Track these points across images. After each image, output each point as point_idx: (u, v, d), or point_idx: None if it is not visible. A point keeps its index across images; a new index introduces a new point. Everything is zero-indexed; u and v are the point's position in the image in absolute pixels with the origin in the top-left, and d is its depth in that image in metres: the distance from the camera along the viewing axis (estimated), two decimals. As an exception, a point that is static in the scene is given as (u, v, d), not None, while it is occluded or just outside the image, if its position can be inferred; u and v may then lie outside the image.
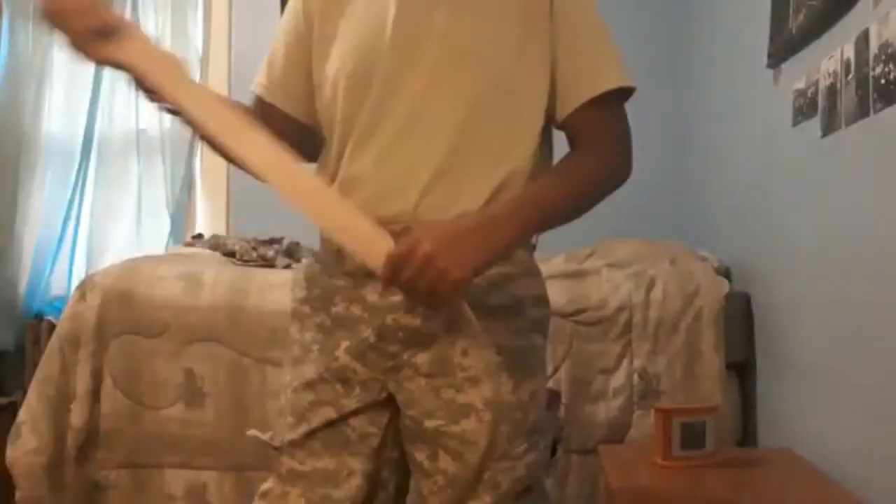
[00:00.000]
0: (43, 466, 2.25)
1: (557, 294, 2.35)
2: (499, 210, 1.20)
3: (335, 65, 1.30)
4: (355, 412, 1.28)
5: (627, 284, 2.37)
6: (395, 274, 1.12)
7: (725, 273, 2.49)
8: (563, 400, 2.25)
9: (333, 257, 1.31)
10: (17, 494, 2.27)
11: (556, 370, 2.29)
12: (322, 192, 1.22)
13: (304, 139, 1.37)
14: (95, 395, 2.30)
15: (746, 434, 2.32)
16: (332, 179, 1.30)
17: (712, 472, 1.76)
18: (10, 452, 2.26)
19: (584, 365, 2.31)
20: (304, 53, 1.37)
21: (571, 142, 1.31)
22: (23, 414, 2.29)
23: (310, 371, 1.31)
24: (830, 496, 1.61)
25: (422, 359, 1.26)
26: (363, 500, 1.29)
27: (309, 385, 1.30)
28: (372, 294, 1.26)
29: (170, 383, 2.31)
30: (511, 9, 1.27)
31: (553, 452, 1.40)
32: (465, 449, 1.24)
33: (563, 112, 1.28)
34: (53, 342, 2.34)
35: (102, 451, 2.31)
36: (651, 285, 2.36)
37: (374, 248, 1.15)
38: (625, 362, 2.31)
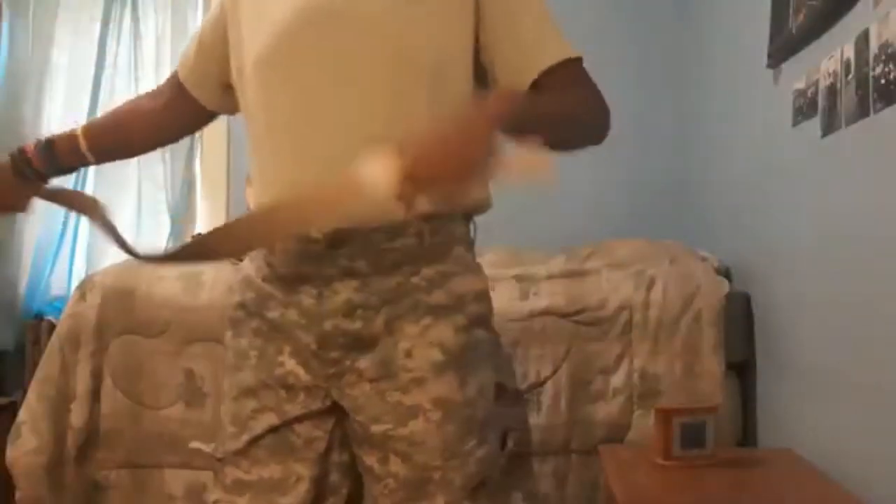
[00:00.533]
0: (43, 466, 2.25)
1: (557, 294, 2.35)
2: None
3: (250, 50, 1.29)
4: (299, 418, 1.26)
5: (627, 284, 2.37)
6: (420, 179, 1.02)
7: (725, 273, 2.49)
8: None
9: (263, 261, 1.30)
10: (17, 494, 2.27)
11: (556, 370, 2.29)
12: (279, 209, 1.15)
13: (201, 122, 1.49)
14: (95, 395, 2.30)
15: (746, 434, 2.32)
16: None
17: (712, 472, 1.76)
18: (10, 452, 2.26)
19: (584, 365, 2.30)
20: (217, 40, 1.40)
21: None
22: (23, 414, 2.29)
23: (249, 378, 1.28)
24: (830, 496, 1.61)
25: (364, 363, 1.24)
26: None
27: (249, 392, 1.28)
28: (307, 299, 1.24)
29: (170, 383, 2.31)
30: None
31: (503, 445, 1.43)
32: (415, 450, 1.23)
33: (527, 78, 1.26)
34: (53, 342, 2.34)
35: (102, 451, 2.31)
36: (651, 285, 2.36)
37: (366, 186, 1.02)
38: (625, 362, 2.31)
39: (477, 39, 1.26)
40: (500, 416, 1.37)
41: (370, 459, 1.26)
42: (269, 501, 1.26)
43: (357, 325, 1.23)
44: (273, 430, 1.26)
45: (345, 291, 1.23)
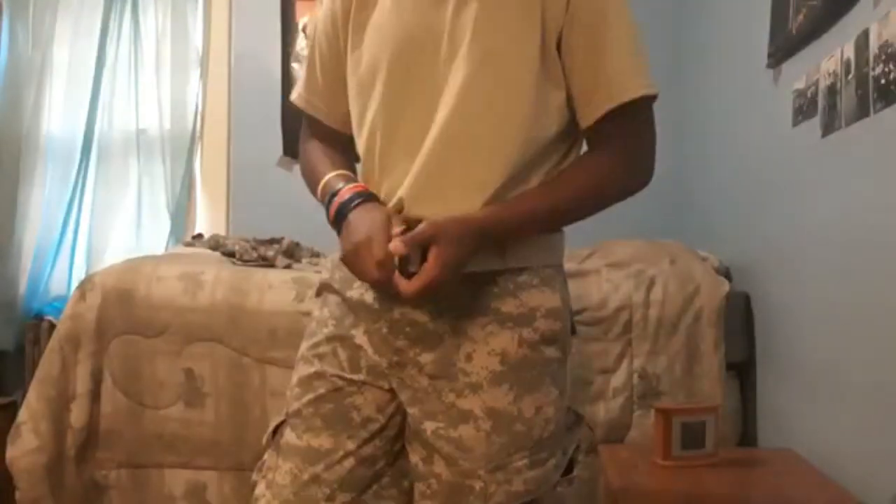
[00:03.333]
0: (43, 466, 2.25)
1: (557, 294, 2.35)
2: (501, 217, 1.20)
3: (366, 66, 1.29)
4: (359, 388, 1.27)
5: (627, 284, 2.37)
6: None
7: (725, 273, 2.49)
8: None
9: None
10: (17, 494, 2.27)
11: (556, 370, 2.29)
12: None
13: (350, 145, 1.39)
14: (95, 395, 2.30)
15: (746, 434, 2.32)
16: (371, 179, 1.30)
17: (712, 472, 1.76)
18: (10, 452, 2.26)
19: (584, 365, 2.30)
20: (336, 61, 1.36)
21: (592, 144, 1.29)
22: (23, 414, 2.29)
23: (321, 338, 1.31)
24: (830, 496, 1.61)
25: (426, 358, 1.25)
26: (354, 484, 1.27)
27: (318, 355, 1.30)
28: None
29: (170, 383, 2.31)
30: (530, 14, 1.21)
31: (568, 470, 1.36)
32: (461, 455, 1.22)
33: (585, 121, 1.25)
34: (53, 342, 2.34)
35: (102, 451, 2.31)
36: (651, 285, 2.36)
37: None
38: (625, 362, 2.31)
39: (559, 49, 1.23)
40: (568, 441, 1.34)
41: (416, 457, 1.27)
42: (311, 473, 1.26)
43: (425, 317, 1.25)
44: (335, 392, 1.28)
45: None
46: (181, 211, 3.45)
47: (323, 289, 1.38)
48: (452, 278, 1.17)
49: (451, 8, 1.22)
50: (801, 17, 1.93)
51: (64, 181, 3.38)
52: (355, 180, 1.31)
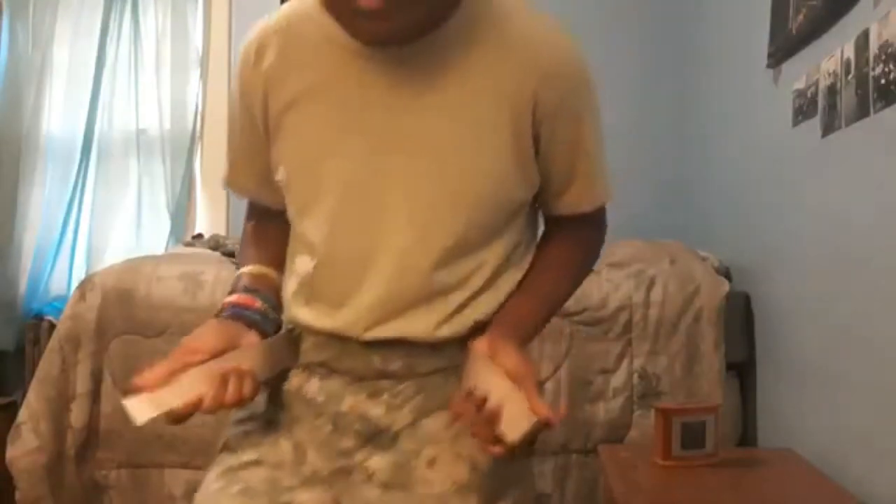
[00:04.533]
0: (43, 466, 2.25)
1: (557, 294, 2.35)
2: (521, 330, 1.10)
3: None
4: (302, 485, 1.06)
5: (627, 284, 2.37)
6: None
7: (725, 273, 2.49)
8: (563, 410, 2.24)
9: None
10: (17, 494, 2.27)
11: (556, 370, 2.29)
12: None
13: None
14: (95, 395, 2.30)
15: (746, 434, 2.32)
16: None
17: (712, 472, 1.76)
18: (10, 452, 2.26)
19: (584, 365, 2.31)
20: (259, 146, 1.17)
21: (550, 226, 1.23)
22: (23, 414, 2.29)
23: (257, 423, 1.11)
24: (830, 496, 1.61)
25: (378, 463, 1.05)
26: None
27: (252, 444, 1.10)
28: (333, 374, 1.07)
29: (170, 383, 2.31)
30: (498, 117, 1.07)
31: None
32: None
33: (553, 211, 1.20)
34: (53, 342, 2.34)
35: (102, 451, 2.31)
36: (651, 285, 2.36)
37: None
38: (625, 362, 2.31)
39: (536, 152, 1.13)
40: None
41: None
42: None
43: (379, 409, 1.07)
44: (270, 487, 1.06)
45: (377, 362, 1.08)
46: (181, 211, 3.45)
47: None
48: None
49: (407, 114, 1.06)
50: (801, 17, 1.93)
51: (64, 181, 3.38)
52: (259, 283, 1.14)
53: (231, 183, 1.26)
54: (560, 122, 1.10)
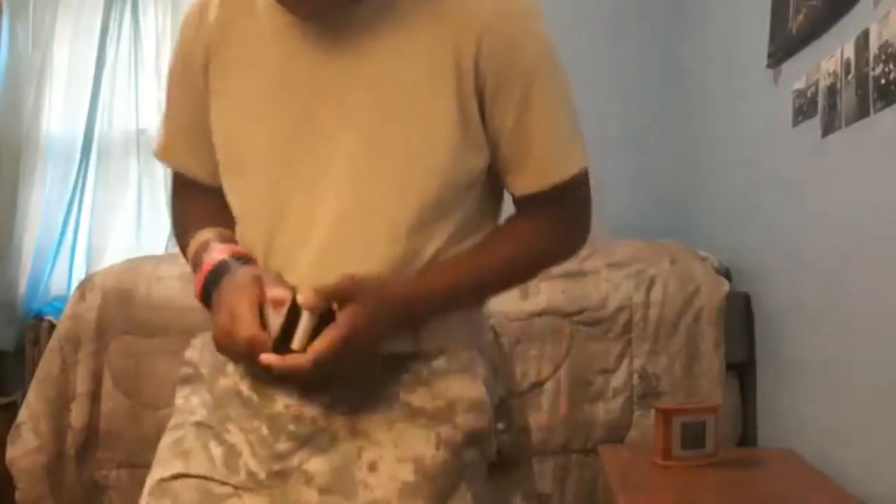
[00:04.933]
0: (43, 466, 2.25)
1: (557, 294, 2.35)
2: (424, 288, 1.02)
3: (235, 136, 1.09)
4: (236, 492, 0.99)
5: (627, 284, 2.37)
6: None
7: (725, 273, 2.49)
8: (562, 408, 2.24)
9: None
10: (17, 494, 2.27)
11: (556, 370, 2.29)
12: None
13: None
14: (95, 395, 2.30)
15: (746, 434, 2.32)
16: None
17: (712, 472, 1.76)
18: (10, 452, 2.26)
19: (584, 365, 2.30)
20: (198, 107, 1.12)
21: (521, 208, 1.13)
22: (23, 414, 2.29)
23: (186, 431, 1.05)
24: (830, 496, 1.61)
25: (316, 466, 0.99)
26: None
27: (182, 452, 1.03)
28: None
29: (170, 383, 2.28)
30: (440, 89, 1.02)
31: None
32: None
33: (515, 190, 1.11)
34: (53, 342, 2.34)
35: (102, 451, 2.31)
36: (651, 285, 2.36)
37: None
38: (625, 362, 2.31)
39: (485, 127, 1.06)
40: None
41: None
42: None
43: (314, 411, 1.00)
44: (204, 499, 1.00)
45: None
46: (181, 210, 3.44)
47: (185, 376, 1.13)
48: (362, 352, 0.97)
49: (341, 64, 1.03)
50: (801, 17, 1.93)
51: (64, 181, 3.37)
52: (232, 241, 1.10)
53: (163, 152, 1.20)
54: (506, 79, 1.02)
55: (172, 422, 1.09)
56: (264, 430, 1.01)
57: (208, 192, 1.16)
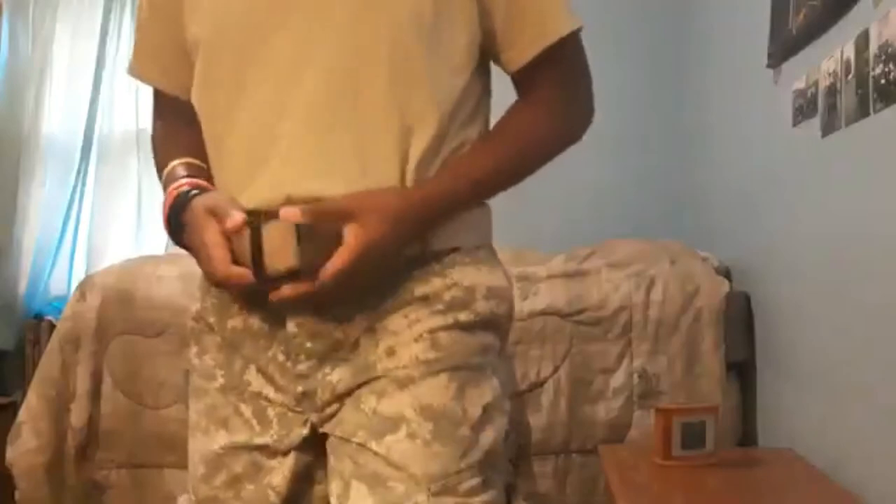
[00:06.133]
0: (43, 466, 2.25)
1: (557, 294, 2.35)
2: (429, 192, 0.98)
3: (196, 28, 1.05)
4: (274, 456, 1.01)
5: (627, 284, 2.37)
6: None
7: (725, 273, 2.49)
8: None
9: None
10: (17, 494, 2.27)
11: (556, 370, 2.29)
12: None
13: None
14: (95, 395, 2.31)
15: (746, 434, 2.32)
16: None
17: (712, 472, 1.76)
18: (10, 452, 2.26)
19: (584, 365, 2.30)
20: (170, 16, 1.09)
21: (521, 91, 1.09)
22: (23, 414, 2.29)
23: (215, 397, 1.04)
24: (830, 496, 1.61)
25: (339, 374, 0.98)
26: None
27: (219, 420, 1.03)
28: (273, 293, 0.95)
29: (170, 383, 2.31)
30: None
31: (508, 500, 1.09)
32: (391, 475, 0.93)
33: (512, 65, 1.06)
34: (53, 342, 2.34)
35: (102, 451, 2.31)
36: (651, 285, 2.36)
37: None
38: (625, 362, 2.31)
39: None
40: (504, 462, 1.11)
41: (332, 490, 0.98)
42: None
43: (329, 325, 0.98)
44: (253, 469, 1.02)
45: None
46: (181, 210, 3.44)
47: (194, 332, 1.09)
48: (375, 269, 0.94)
49: None
50: (801, 17, 1.93)
51: (64, 181, 3.37)
52: (202, 171, 1.07)
53: (133, 69, 1.18)
54: None
55: (194, 383, 1.08)
56: (280, 357, 1.00)
57: (187, 120, 1.12)
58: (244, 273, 0.93)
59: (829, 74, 1.76)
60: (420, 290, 0.99)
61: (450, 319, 0.98)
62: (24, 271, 3.31)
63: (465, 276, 1.01)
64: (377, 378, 0.96)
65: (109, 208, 3.43)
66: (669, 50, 3.38)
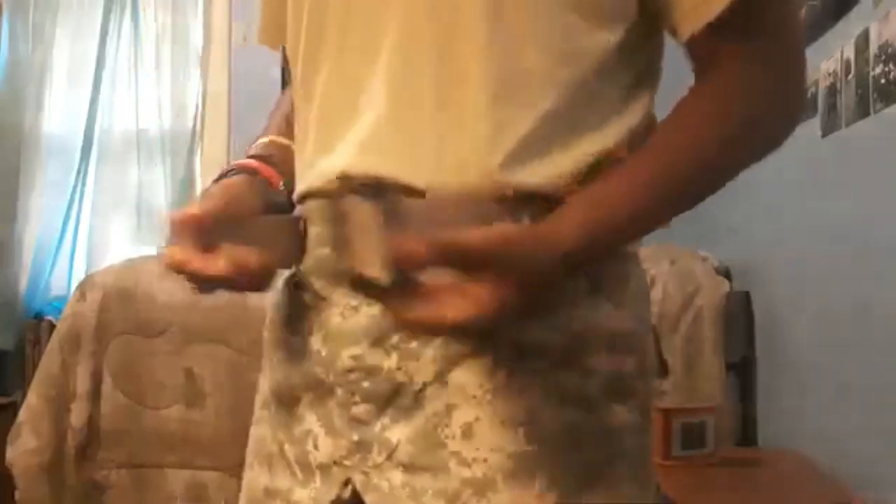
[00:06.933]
0: (43, 466, 2.25)
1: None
2: (568, 224, 0.67)
3: None
4: None
5: (627, 284, 2.37)
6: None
7: (725, 273, 2.49)
8: None
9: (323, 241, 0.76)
10: (17, 494, 2.27)
11: (556, 370, 2.29)
12: None
13: None
14: (95, 394, 2.30)
15: (747, 434, 2.32)
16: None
17: (712, 471, 1.76)
18: (10, 452, 2.26)
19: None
20: None
21: (705, 68, 0.77)
22: (23, 414, 2.29)
23: (267, 439, 0.81)
24: (830, 496, 1.61)
25: (399, 433, 0.72)
26: None
27: (267, 456, 0.81)
28: (335, 316, 0.75)
29: (170, 383, 2.31)
30: None
31: None
32: None
33: (688, 29, 0.73)
34: (53, 342, 2.34)
35: (102, 451, 2.31)
36: (651, 285, 2.36)
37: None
38: (625, 362, 2.31)
39: None
40: None
41: None
42: None
43: (391, 361, 0.72)
44: None
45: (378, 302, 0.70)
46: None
47: (264, 344, 0.85)
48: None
49: None
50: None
51: (64, 181, 3.37)
52: (281, 150, 0.85)
53: (262, 35, 0.95)
54: None
55: (256, 404, 0.87)
56: (339, 392, 0.74)
57: None
58: (191, 212, 0.71)
59: (829, 74, 1.76)
60: (515, 333, 0.69)
61: (552, 387, 0.70)
62: (24, 271, 3.30)
63: (580, 316, 0.71)
64: (446, 468, 0.69)
65: (109, 208, 3.44)
66: (669, 50, 3.38)
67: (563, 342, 0.70)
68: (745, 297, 2.38)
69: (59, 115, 3.42)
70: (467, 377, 0.70)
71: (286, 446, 0.79)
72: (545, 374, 0.70)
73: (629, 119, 0.76)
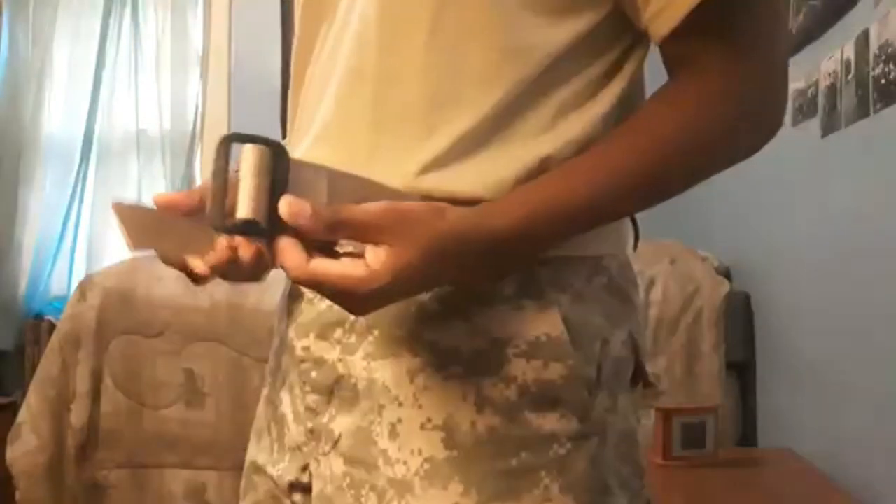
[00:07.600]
0: (43, 466, 2.25)
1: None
2: (511, 214, 0.63)
3: None
4: (287, 497, 0.77)
5: (627, 284, 2.37)
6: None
7: (725, 273, 2.49)
8: None
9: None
10: (17, 494, 2.27)
11: (556, 370, 2.29)
12: None
13: None
14: (95, 394, 2.31)
15: (746, 434, 2.32)
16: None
17: (712, 472, 1.76)
18: (10, 452, 2.26)
19: (584, 365, 2.31)
20: None
21: (678, 66, 0.76)
22: (23, 414, 2.29)
23: (261, 413, 0.84)
24: (830, 496, 1.61)
25: (341, 425, 0.71)
26: None
27: (257, 430, 0.84)
28: (303, 305, 0.75)
29: (170, 383, 2.31)
30: None
31: None
32: None
33: (661, 27, 0.71)
34: (53, 342, 2.34)
35: (102, 451, 2.31)
36: (651, 285, 2.36)
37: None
38: (625, 362, 2.31)
39: None
40: None
41: None
42: None
43: (335, 353, 0.71)
44: (272, 502, 0.79)
45: None
46: (181, 211, 3.44)
47: (273, 333, 0.86)
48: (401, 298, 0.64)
49: None
50: (801, 17, 1.93)
51: (64, 181, 3.38)
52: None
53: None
54: None
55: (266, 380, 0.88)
56: (297, 381, 0.75)
57: None
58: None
59: (829, 74, 1.76)
60: (432, 335, 0.68)
61: (471, 394, 0.67)
62: (24, 271, 3.31)
63: (502, 320, 0.67)
64: (375, 466, 0.68)
65: (109, 208, 3.43)
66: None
67: (481, 346, 0.67)
68: (745, 298, 2.38)
69: (58, 115, 3.43)
70: (391, 378, 0.69)
71: (272, 424, 0.80)
72: (463, 379, 0.67)
73: (595, 110, 0.71)
